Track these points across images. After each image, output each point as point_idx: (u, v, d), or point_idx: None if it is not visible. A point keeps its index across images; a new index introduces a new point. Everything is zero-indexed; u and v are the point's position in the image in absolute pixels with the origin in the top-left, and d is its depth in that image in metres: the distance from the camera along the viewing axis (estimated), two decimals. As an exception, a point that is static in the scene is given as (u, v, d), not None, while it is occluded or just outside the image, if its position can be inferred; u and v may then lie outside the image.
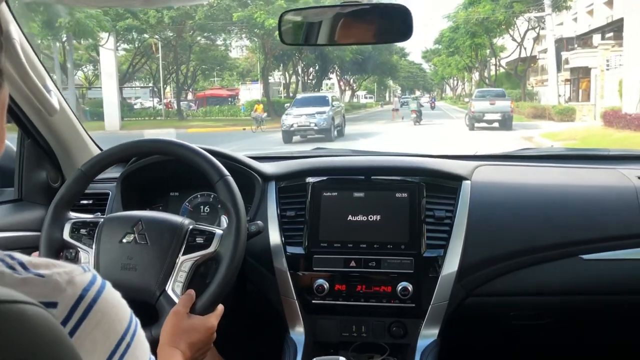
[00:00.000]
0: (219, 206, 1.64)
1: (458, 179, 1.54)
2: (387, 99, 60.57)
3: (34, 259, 0.54)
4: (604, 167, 1.71)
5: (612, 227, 1.48)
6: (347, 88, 42.40)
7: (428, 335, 1.44)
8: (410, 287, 1.40)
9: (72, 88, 22.95)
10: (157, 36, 27.46)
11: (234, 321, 1.59)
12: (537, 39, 29.80)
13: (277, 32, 1.30)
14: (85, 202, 1.63)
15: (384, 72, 41.42)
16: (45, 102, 1.47)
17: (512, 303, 1.50)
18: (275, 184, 1.59)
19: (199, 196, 1.65)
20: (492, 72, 36.76)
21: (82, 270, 0.56)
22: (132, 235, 1.22)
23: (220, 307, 1.20)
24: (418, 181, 1.50)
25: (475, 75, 44.28)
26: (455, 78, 57.38)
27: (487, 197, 1.53)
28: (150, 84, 31.40)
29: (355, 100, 48.63)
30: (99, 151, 1.81)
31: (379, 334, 1.49)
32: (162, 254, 1.20)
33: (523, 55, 29.89)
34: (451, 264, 1.42)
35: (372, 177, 1.55)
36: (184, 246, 1.21)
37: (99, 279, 0.57)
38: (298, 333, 1.48)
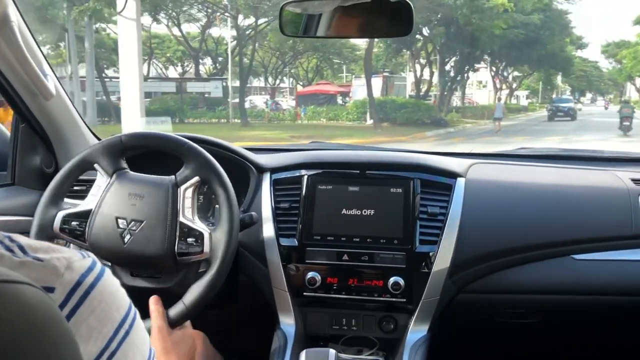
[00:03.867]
0: (213, 196, 1.64)
1: (453, 175, 1.54)
2: (554, 101, 46.87)
3: (33, 242, 0.54)
4: (598, 169, 1.71)
5: (604, 228, 1.49)
6: (503, 86, 32.36)
7: (418, 330, 1.44)
8: (401, 282, 1.41)
9: (90, 77, 19.15)
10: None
11: (225, 311, 1.60)
12: None
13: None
14: (77, 187, 1.62)
15: (554, 66, 29.51)
16: (41, 86, 1.46)
17: (502, 301, 1.50)
18: (270, 175, 1.59)
19: None
20: None
21: (82, 257, 0.56)
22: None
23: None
24: (413, 177, 1.51)
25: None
26: (645, 76, 41.25)
27: (482, 194, 1.53)
28: (224, 76, 24.91)
29: (513, 101, 37.51)
30: (93, 138, 1.80)
31: (369, 328, 1.50)
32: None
33: None
34: (443, 260, 1.42)
35: (367, 172, 1.55)
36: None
37: (98, 266, 0.56)
38: (289, 325, 1.49)
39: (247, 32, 22.89)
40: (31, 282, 0.43)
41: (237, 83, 23.51)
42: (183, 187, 1.28)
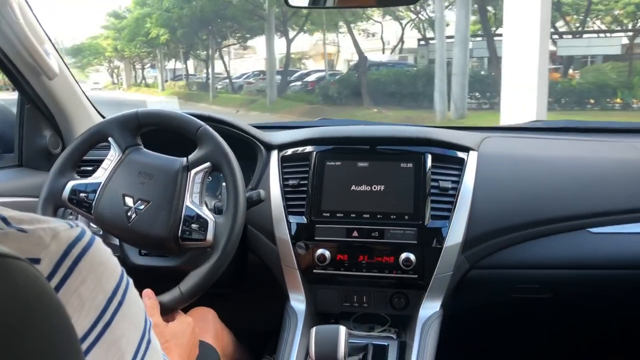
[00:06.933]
0: (221, 175, 1.62)
1: (465, 149, 1.51)
2: None
3: (17, 213, 0.52)
4: (614, 140, 1.67)
5: (621, 201, 1.45)
6: None
7: (430, 306, 1.42)
8: (413, 258, 1.39)
9: (462, 33, 11.55)
10: None
11: (235, 290, 1.59)
12: None
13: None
14: (86, 167, 1.61)
15: None
16: (44, 65, 1.45)
17: (516, 276, 1.48)
18: (278, 152, 1.56)
19: None
20: None
21: (69, 226, 0.53)
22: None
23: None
24: (424, 151, 1.48)
25: None
26: None
27: (494, 168, 1.50)
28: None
29: None
30: (99, 117, 1.79)
31: (381, 305, 1.48)
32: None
33: None
34: (455, 236, 1.40)
35: (377, 147, 1.52)
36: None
37: (88, 235, 0.54)
38: (299, 302, 1.47)
39: None
40: (16, 254, 0.41)
41: None
42: (193, 171, 1.27)
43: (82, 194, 1.30)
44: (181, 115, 1.32)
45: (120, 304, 0.54)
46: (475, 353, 1.81)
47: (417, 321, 1.40)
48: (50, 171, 1.34)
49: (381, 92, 14.25)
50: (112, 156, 1.32)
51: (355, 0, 1.31)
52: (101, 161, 1.34)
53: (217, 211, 1.39)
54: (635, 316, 1.63)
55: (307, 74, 19.98)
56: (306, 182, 1.49)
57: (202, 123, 1.30)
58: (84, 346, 0.50)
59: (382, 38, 20.12)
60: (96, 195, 1.29)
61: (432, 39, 16.23)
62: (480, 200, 1.43)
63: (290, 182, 1.50)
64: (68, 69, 1.63)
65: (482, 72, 14.75)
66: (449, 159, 1.49)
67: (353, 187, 1.46)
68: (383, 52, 19.52)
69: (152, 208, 1.25)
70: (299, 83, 18.95)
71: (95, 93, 26.59)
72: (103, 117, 1.78)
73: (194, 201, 1.26)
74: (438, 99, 11.53)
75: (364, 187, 1.46)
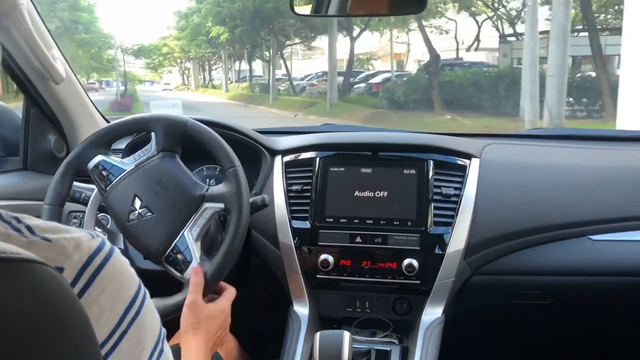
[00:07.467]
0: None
1: (467, 156, 1.52)
2: None
3: (41, 222, 0.53)
4: (615, 148, 1.69)
5: (620, 208, 1.47)
6: None
7: (432, 312, 1.44)
8: (415, 264, 1.40)
9: (559, 24, 9.28)
10: None
11: (238, 295, 1.60)
12: None
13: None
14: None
15: None
16: (52, 70, 1.46)
17: (517, 282, 1.49)
18: (282, 158, 1.58)
19: (204, 169, 1.65)
20: None
21: (90, 237, 0.54)
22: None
23: (232, 291, 1.24)
24: (426, 158, 1.49)
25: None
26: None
27: (496, 175, 1.51)
28: None
29: None
30: (104, 121, 1.80)
31: (383, 310, 1.49)
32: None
33: None
34: (458, 242, 1.41)
35: (380, 153, 1.54)
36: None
37: (107, 246, 0.55)
38: (302, 307, 1.48)
39: None
40: (43, 261, 0.42)
41: None
42: (206, 204, 1.25)
43: (104, 172, 1.31)
44: (225, 146, 1.28)
45: (137, 313, 0.55)
46: (476, 358, 1.82)
47: (419, 326, 1.41)
48: (85, 139, 1.34)
49: (455, 95, 12.39)
50: (148, 150, 1.31)
51: (362, 10, 1.32)
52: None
53: (222, 217, 1.39)
54: (634, 323, 1.64)
55: (373, 75, 18.63)
56: (310, 187, 1.50)
57: (238, 163, 1.27)
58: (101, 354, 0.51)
59: (455, 37, 18.53)
60: (115, 180, 1.29)
61: (511, 35, 14.71)
62: (482, 207, 1.44)
63: (294, 187, 1.51)
64: (74, 73, 1.64)
65: (583, 74, 12.27)
66: (451, 165, 1.51)
67: (356, 193, 1.47)
68: (457, 51, 17.82)
69: (153, 220, 1.25)
70: (363, 85, 17.66)
71: (165, 94, 26.17)
72: (108, 121, 1.79)
73: (191, 234, 1.24)
74: (528, 105, 9.59)
75: (367, 193, 1.47)
